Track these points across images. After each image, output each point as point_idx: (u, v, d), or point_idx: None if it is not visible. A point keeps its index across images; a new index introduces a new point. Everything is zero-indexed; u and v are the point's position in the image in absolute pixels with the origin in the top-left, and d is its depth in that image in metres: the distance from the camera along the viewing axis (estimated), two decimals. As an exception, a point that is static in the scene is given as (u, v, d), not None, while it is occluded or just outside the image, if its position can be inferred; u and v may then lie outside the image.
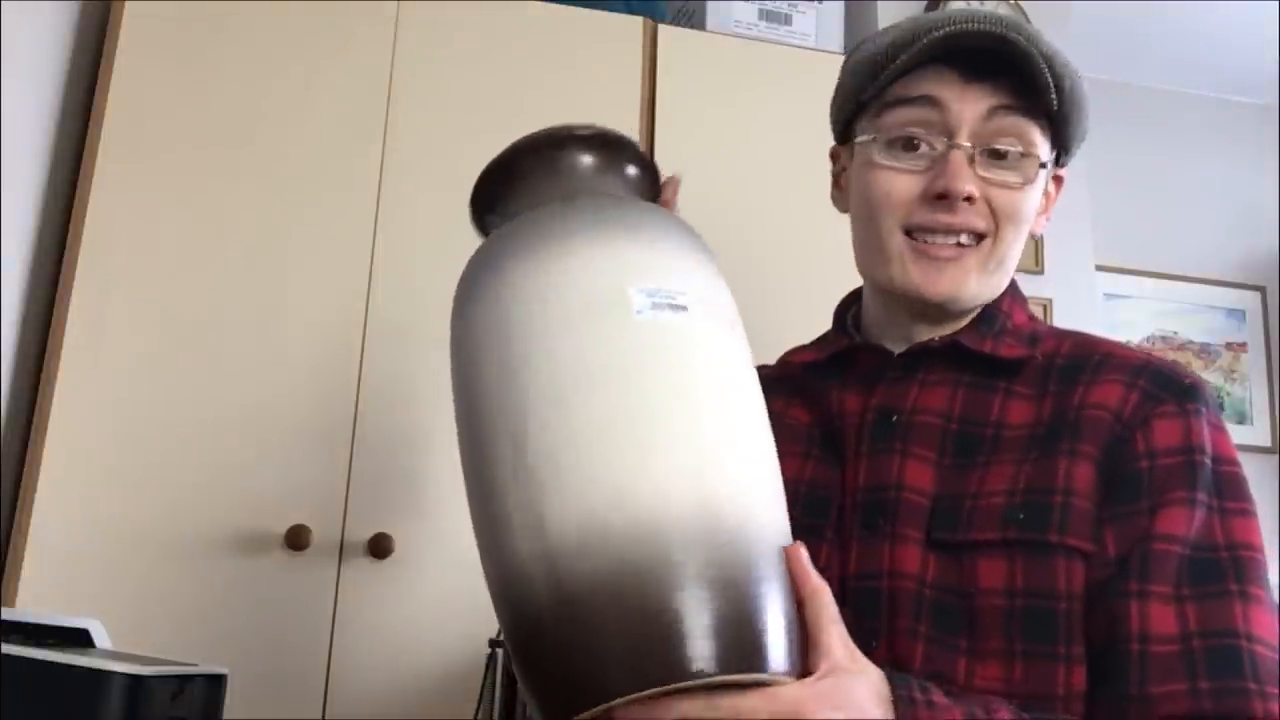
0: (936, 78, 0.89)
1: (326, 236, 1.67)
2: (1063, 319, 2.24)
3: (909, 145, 0.90)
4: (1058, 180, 0.98)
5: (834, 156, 1.02)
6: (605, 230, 0.75)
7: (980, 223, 0.89)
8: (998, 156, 0.89)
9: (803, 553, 0.70)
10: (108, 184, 1.60)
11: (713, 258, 0.80)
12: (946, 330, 0.93)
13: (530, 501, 0.68)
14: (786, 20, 2.00)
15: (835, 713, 0.66)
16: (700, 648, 0.63)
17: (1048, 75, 0.87)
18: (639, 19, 1.87)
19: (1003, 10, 2.37)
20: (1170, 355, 2.97)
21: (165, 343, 1.58)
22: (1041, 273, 2.29)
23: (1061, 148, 0.94)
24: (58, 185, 1.64)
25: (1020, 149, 0.89)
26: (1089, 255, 2.36)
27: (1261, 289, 3.12)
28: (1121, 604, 0.79)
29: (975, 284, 0.90)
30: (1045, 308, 2.26)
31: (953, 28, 0.87)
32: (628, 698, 0.63)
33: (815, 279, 1.85)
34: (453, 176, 1.73)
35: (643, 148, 0.88)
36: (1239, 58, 3.02)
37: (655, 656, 0.63)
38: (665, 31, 1.89)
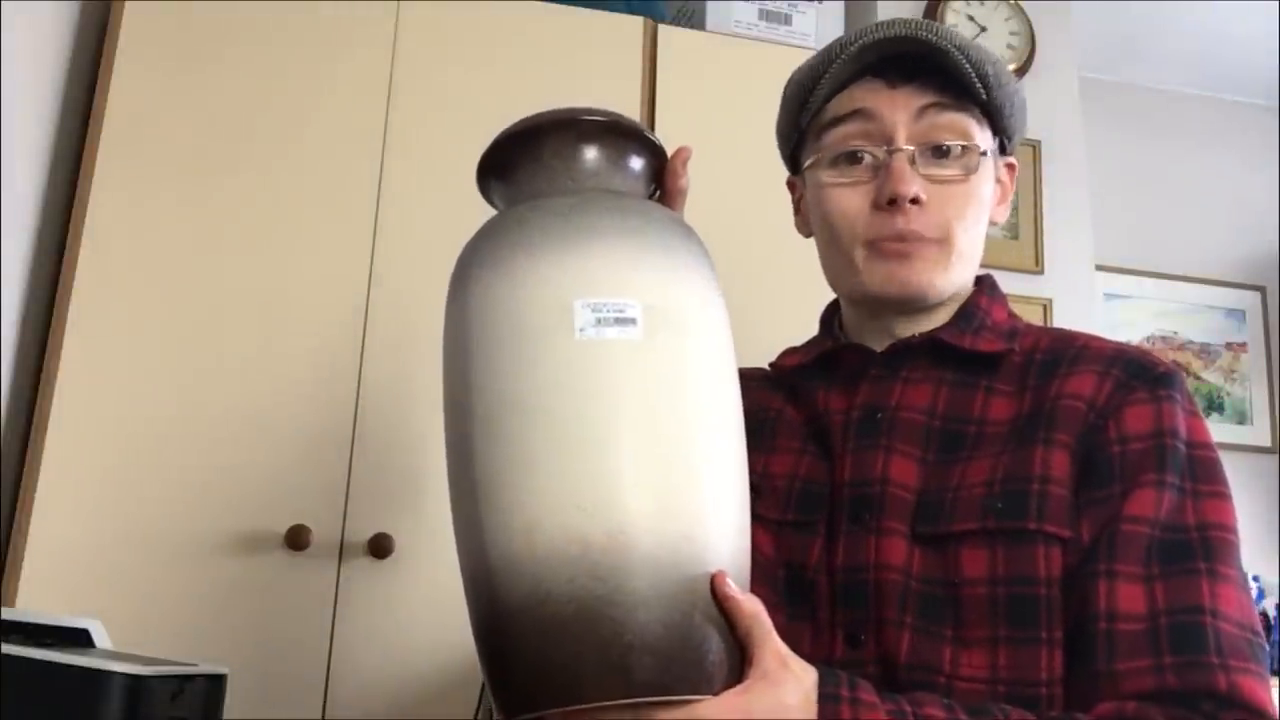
0: (865, 90, 0.93)
1: (326, 236, 1.67)
2: (1063, 319, 2.24)
3: (852, 159, 0.93)
4: (1010, 168, 1.01)
5: (791, 187, 1.05)
6: (559, 240, 0.74)
7: (932, 229, 0.91)
8: (939, 154, 0.91)
9: (727, 580, 0.71)
10: (108, 184, 1.60)
11: (686, 251, 0.78)
12: (924, 327, 0.95)
13: (472, 519, 0.71)
14: (786, 20, 2.00)
15: (748, 718, 0.69)
16: (627, 668, 0.66)
17: (967, 66, 0.89)
18: (639, 19, 1.88)
19: (1002, 11, 2.38)
20: (1170, 355, 2.97)
21: (165, 343, 1.58)
22: (1041, 273, 2.29)
23: (1003, 135, 0.96)
24: (58, 185, 1.64)
25: (958, 142, 0.91)
26: (1089, 255, 2.36)
27: (1261, 289, 3.12)
28: (1090, 583, 0.81)
29: (941, 276, 0.92)
30: (1045, 308, 2.26)
31: (867, 38, 0.91)
32: (552, 711, 0.68)
33: (815, 279, 1.84)
34: (453, 176, 1.74)
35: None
36: (1239, 58, 3.02)
37: (580, 674, 0.67)
38: (665, 31, 1.89)
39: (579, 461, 0.69)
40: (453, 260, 0.83)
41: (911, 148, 0.91)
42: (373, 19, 1.75)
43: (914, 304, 0.94)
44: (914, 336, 0.94)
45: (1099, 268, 2.48)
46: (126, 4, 1.66)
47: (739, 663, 0.72)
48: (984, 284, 0.99)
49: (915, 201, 0.89)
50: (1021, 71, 2.35)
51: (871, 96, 0.92)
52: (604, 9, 1.87)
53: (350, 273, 1.66)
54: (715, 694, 0.70)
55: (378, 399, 1.62)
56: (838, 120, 0.94)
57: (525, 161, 0.81)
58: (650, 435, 0.70)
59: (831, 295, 1.06)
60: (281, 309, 1.63)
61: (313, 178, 1.68)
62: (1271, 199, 3.16)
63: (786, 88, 1.00)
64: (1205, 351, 3.04)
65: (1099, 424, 0.85)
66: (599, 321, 0.71)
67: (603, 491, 0.68)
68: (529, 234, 0.75)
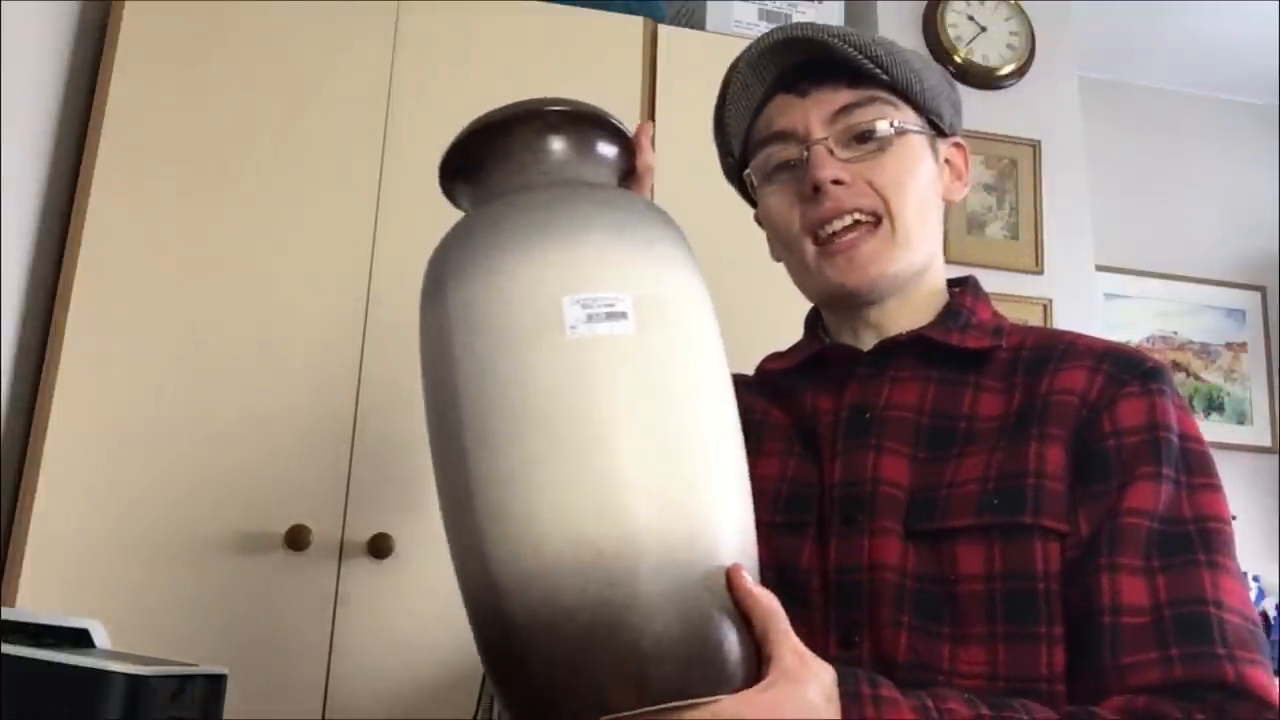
0: (779, 109, 0.95)
1: (326, 236, 1.66)
2: (1063, 319, 2.24)
3: (783, 168, 0.95)
4: (959, 148, 1.01)
5: (759, 221, 1.04)
6: (541, 236, 0.72)
7: (864, 200, 0.92)
8: (860, 139, 0.92)
9: (744, 574, 0.71)
10: (108, 184, 1.60)
11: (669, 241, 0.77)
12: (900, 315, 0.95)
13: (471, 534, 0.69)
14: (786, 20, 2.00)
15: (775, 717, 0.68)
16: (646, 675, 0.64)
17: (851, 50, 0.91)
18: (639, 19, 1.87)
19: (1002, 11, 2.37)
20: (1170, 355, 2.97)
21: (165, 343, 1.58)
22: (1041, 273, 2.28)
23: (931, 115, 0.96)
24: (58, 185, 1.64)
25: (870, 123, 0.92)
26: (1089, 255, 2.35)
27: (1261, 289, 3.11)
28: (1093, 578, 0.81)
29: (890, 260, 0.92)
30: (1045, 308, 2.26)
31: (751, 53, 0.96)
32: None
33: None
34: (453, 176, 1.74)
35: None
36: (1240, 58, 3.02)
37: (601, 685, 0.64)
38: (665, 31, 1.89)
39: (581, 466, 0.67)
40: (453, 260, 0.82)
41: (827, 137, 0.92)
42: (373, 19, 1.75)
43: (872, 295, 0.94)
44: (901, 335, 0.94)
45: (1099, 268, 2.47)
46: (126, 4, 1.66)
47: (756, 660, 0.71)
48: (968, 285, 1.00)
49: (838, 183, 0.91)
50: (1021, 72, 2.35)
51: (785, 115, 0.95)
52: (604, 9, 1.87)
53: (350, 273, 1.66)
54: (735, 692, 0.68)
55: (378, 399, 1.62)
56: (762, 143, 0.96)
57: (494, 157, 0.79)
58: (651, 432, 0.69)
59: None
60: (281, 309, 1.63)
61: (313, 178, 1.68)
62: (1271, 199, 3.15)
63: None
64: (1205, 351, 3.04)
65: (1092, 418, 0.86)
66: (590, 318, 0.69)
67: (609, 494, 0.66)
68: (509, 232, 0.73)
